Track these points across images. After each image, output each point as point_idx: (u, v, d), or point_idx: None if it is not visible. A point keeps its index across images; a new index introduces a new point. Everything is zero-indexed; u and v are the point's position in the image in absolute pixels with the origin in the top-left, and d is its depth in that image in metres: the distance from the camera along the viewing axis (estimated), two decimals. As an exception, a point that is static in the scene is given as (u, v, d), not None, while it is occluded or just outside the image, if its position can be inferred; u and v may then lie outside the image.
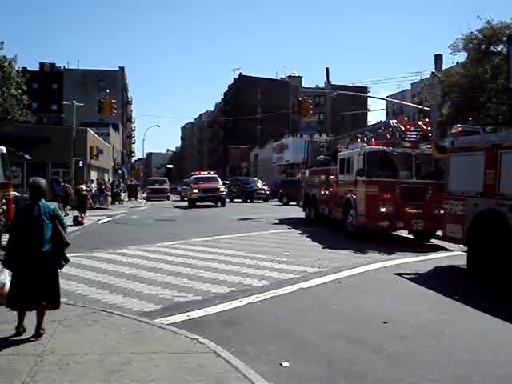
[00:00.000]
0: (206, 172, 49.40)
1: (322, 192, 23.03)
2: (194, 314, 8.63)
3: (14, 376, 5.51)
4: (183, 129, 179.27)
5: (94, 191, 37.10)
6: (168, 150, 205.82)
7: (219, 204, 41.21)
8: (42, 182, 7.43)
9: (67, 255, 7.33)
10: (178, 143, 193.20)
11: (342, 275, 11.87)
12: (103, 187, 38.80)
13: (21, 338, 6.79)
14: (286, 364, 6.29)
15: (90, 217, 27.98)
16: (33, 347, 6.46)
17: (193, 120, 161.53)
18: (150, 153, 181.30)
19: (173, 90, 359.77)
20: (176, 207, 42.43)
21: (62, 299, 8.40)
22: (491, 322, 8.16)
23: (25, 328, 6.95)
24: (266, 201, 49.67)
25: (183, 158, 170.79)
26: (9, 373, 5.62)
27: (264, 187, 52.43)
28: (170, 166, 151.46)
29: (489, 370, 6.11)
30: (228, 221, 27.13)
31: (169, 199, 56.20)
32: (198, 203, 41.02)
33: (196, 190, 41.14)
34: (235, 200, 51.31)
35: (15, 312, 6.98)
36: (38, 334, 6.84)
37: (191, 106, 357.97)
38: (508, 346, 7.03)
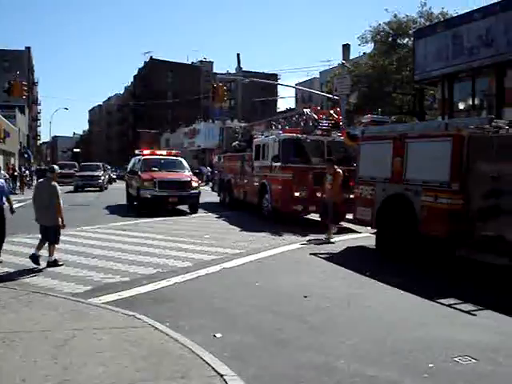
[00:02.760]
0: (165, 152, 27.94)
1: (237, 177, 23.61)
2: (124, 294, 9.01)
3: (-38, 352, 5.76)
4: (91, 112, 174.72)
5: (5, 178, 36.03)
6: (74, 133, 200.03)
7: (188, 209, 23.55)
8: None
9: None
10: (86, 127, 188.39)
11: (262, 256, 12.57)
12: (15, 173, 37.34)
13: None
14: (218, 335, 6.86)
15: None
16: (-26, 327, 6.70)
17: (101, 103, 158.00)
18: (56, 136, 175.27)
19: (81, 72, 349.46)
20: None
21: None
22: (400, 294, 9.07)
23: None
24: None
25: (91, 142, 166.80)
26: (-44, 350, 5.86)
27: None
28: (77, 150, 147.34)
29: (400, 335, 6.94)
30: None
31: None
32: (149, 206, 22.37)
33: (148, 184, 22.21)
34: None
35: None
36: None
37: (99, 88, 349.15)
38: (415, 314, 7.92)
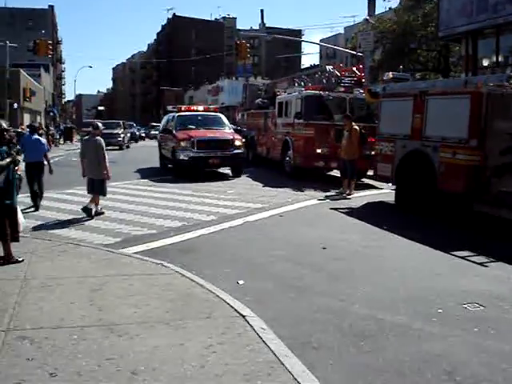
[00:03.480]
0: (202, 108, 24.63)
1: (261, 134, 23.87)
2: (152, 245, 9.51)
3: (6, 296, 6.25)
4: (115, 70, 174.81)
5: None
6: (98, 91, 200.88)
7: (231, 172, 20.91)
8: None
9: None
10: (110, 84, 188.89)
11: (284, 210, 12.98)
12: (41, 131, 37.73)
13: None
14: (241, 282, 7.31)
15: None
16: (14, 273, 7.19)
17: (125, 61, 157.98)
18: (80, 94, 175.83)
19: (104, 29, 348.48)
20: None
21: (25, 234, 9.21)
22: (415, 247, 9.44)
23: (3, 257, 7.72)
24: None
25: (115, 100, 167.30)
26: (0, 294, 6.36)
27: None
28: (101, 107, 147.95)
29: (412, 284, 7.33)
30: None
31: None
32: (187, 169, 19.78)
33: (185, 143, 19.59)
34: None
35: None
36: (5, 261, 7.68)
37: (123, 46, 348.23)
38: (429, 266, 8.27)
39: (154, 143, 32.81)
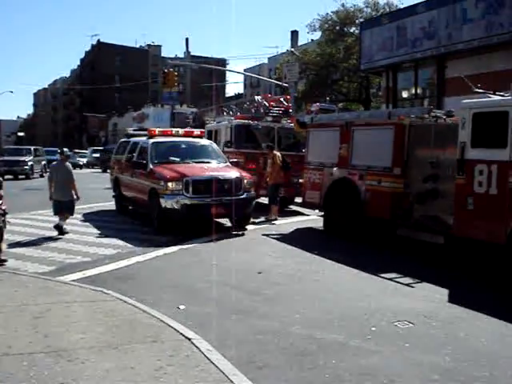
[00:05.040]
0: (181, 131, 16.98)
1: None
2: (88, 273, 9.52)
3: None
4: (36, 95, 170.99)
5: None
6: (18, 116, 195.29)
7: (232, 223, 14.39)
8: None
9: None
10: (30, 110, 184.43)
11: (217, 237, 13.15)
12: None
13: None
14: (182, 307, 7.50)
15: None
16: (-49, 302, 7.12)
17: (46, 86, 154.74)
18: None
19: (25, 53, 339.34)
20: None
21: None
22: (346, 269, 9.90)
23: None
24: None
25: (35, 126, 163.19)
26: None
27: None
28: (21, 133, 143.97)
29: (346, 305, 7.74)
30: (99, 190, 27.23)
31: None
32: (177, 221, 13.73)
33: (174, 185, 13.31)
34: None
35: None
36: None
37: (45, 71, 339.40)
38: (360, 287, 8.73)
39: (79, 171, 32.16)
